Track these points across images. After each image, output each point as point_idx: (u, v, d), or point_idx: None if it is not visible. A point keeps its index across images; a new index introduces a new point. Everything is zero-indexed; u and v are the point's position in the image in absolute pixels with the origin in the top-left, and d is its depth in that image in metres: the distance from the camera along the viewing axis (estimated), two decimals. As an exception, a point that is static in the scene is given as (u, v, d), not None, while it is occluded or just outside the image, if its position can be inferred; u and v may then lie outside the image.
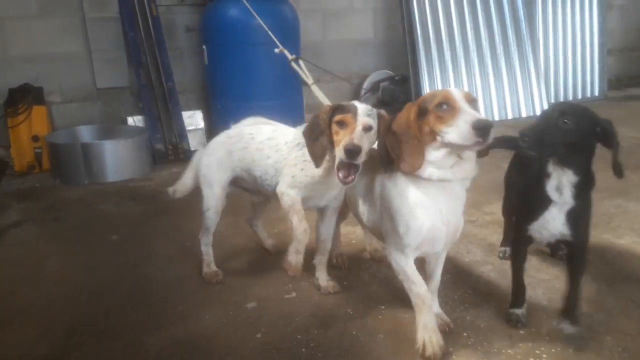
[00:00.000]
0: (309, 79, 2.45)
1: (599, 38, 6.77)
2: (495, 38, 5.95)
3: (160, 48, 4.77)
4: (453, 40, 5.77)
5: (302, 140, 2.04)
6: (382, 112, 1.95)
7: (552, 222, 1.84)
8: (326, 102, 2.08)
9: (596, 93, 6.80)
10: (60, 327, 2.12)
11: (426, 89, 5.59)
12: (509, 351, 1.86)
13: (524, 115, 5.97)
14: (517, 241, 2.05)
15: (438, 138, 1.65)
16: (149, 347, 1.96)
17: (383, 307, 2.18)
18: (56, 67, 4.78)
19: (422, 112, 1.69)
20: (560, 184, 1.79)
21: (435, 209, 1.76)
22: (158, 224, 3.13)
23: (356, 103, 1.92)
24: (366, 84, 6.13)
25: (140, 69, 4.69)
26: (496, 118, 5.86)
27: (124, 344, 1.99)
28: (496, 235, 2.79)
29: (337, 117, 1.89)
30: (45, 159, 4.34)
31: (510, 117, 5.92)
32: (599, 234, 2.67)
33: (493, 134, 1.57)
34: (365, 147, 1.83)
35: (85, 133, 4.64)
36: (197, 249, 2.49)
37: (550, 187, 1.81)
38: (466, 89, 5.76)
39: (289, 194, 2.13)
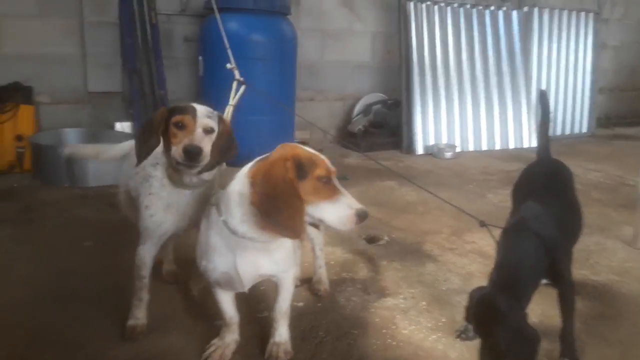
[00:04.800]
0: (232, 100, 2.43)
1: (591, 76, 6.89)
2: (489, 69, 6.03)
3: (156, 56, 4.76)
4: (448, 69, 5.83)
5: (156, 160, 1.91)
6: (222, 116, 1.88)
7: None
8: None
9: (584, 130, 6.88)
10: (22, 334, 2.05)
11: (418, 113, 5.62)
12: (479, 385, 1.83)
13: (511, 146, 6.01)
14: None
15: (309, 210, 1.55)
16: (112, 359, 1.90)
17: (356, 332, 2.14)
18: (49, 68, 4.75)
19: (300, 174, 1.55)
20: None
21: (230, 257, 1.71)
22: (134, 233, 3.06)
23: (195, 105, 1.82)
24: (358, 106, 6.16)
25: (134, 76, 4.68)
26: (484, 148, 5.90)
27: (85, 354, 1.93)
28: (475, 265, 2.78)
29: (176, 118, 1.77)
30: (27, 160, 4.28)
31: (498, 147, 5.97)
32: (577, 270, 2.65)
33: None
34: (206, 149, 1.76)
35: (71, 136, 4.59)
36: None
37: None
38: (457, 116, 5.81)
39: (138, 250, 2.02)
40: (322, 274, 2.49)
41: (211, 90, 4.80)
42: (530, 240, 1.82)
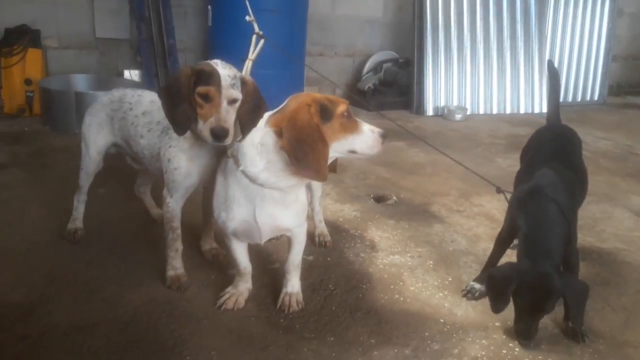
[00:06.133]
0: (252, 55, 2.39)
1: (605, 43, 6.75)
2: (503, 31, 5.90)
3: (165, 4, 4.67)
4: (461, 29, 5.71)
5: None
6: (246, 78, 1.85)
7: None
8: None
9: (595, 97, 6.81)
10: (40, 274, 2.10)
11: (429, 73, 5.55)
12: (483, 342, 1.89)
13: (522, 111, 5.96)
14: (507, 232, 2.12)
15: (340, 146, 1.67)
16: (127, 303, 1.96)
17: (364, 287, 2.19)
18: (56, 11, 4.65)
19: (325, 116, 1.63)
20: None
21: (249, 207, 1.76)
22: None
23: (219, 67, 1.77)
24: (369, 64, 6.07)
25: (142, 23, 4.59)
26: (494, 112, 5.86)
27: (102, 297, 1.99)
28: (482, 227, 2.82)
29: (201, 89, 1.75)
30: (36, 104, 4.26)
31: (508, 111, 5.91)
32: (583, 237, 2.69)
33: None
34: (231, 125, 1.76)
35: (80, 82, 4.54)
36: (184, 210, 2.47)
37: None
38: (469, 78, 5.74)
39: (167, 203, 2.02)
40: (323, 227, 2.56)
41: (220, 41, 4.71)
42: (553, 209, 1.87)
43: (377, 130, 1.71)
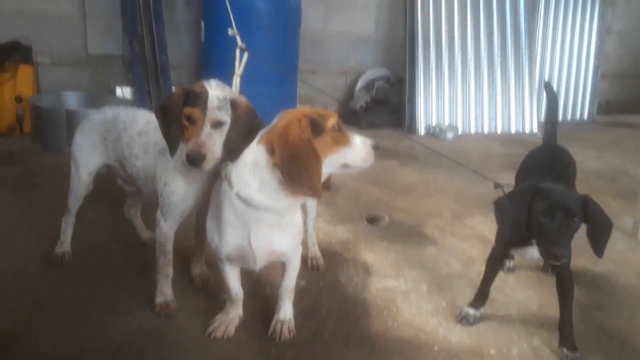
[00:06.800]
0: (238, 69, 2.38)
1: (594, 61, 6.82)
2: (494, 48, 5.94)
3: (158, 20, 4.65)
4: (452, 46, 5.75)
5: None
6: (238, 99, 1.79)
7: (535, 251, 1.89)
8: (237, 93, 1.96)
9: (585, 116, 6.86)
10: (26, 300, 2.06)
11: (421, 91, 5.57)
12: (478, 370, 1.87)
13: (513, 131, 5.98)
14: (498, 253, 2.10)
15: (333, 160, 1.64)
16: (115, 330, 1.92)
17: (357, 313, 2.16)
18: (48, 27, 4.63)
19: (316, 131, 1.61)
20: None
21: (244, 231, 1.72)
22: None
23: (210, 88, 1.74)
24: (361, 81, 6.09)
25: (135, 39, 4.57)
26: (485, 131, 5.87)
27: (89, 324, 1.95)
28: (475, 250, 2.80)
29: (186, 111, 1.72)
30: (27, 122, 4.21)
31: (499, 131, 5.93)
32: (576, 259, 2.64)
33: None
34: (214, 149, 1.72)
35: (72, 99, 4.50)
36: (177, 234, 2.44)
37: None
38: (460, 97, 5.77)
39: (161, 227, 1.99)
40: (316, 249, 2.53)
41: (213, 57, 4.72)
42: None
43: (368, 141, 1.68)
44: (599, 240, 1.76)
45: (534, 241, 1.86)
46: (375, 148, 1.68)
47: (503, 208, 1.80)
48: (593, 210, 1.74)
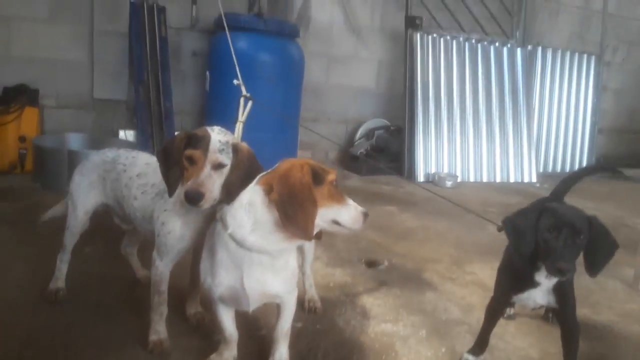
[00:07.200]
0: (242, 117, 2.45)
1: (591, 117, 6.99)
2: (492, 103, 6.09)
3: (164, 68, 4.79)
4: (451, 100, 5.89)
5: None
6: (240, 145, 1.83)
7: (538, 295, 1.87)
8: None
9: (583, 169, 6.93)
10: (17, 336, 2.01)
11: (420, 141, 5.65)
12: (479, 418, 1.80)
13: (512, 180, 6.04)
14: (498, 302, 2.05)
15: (324, 213, 1.64)
16: (106, 368, 1.87)
17: (354, 357, 2.11)
18: (56, 72, 4.76)
19: (316, 180, 1.63)
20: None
21: (237, 272, 1.71)
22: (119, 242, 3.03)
23: (213, 133, 1.79)
24: (361, 130, 6.23)
25: (141, 86, 4.69)
26: (484, 180, 5.93)
27: (80, 362, 1.90)
28: (475, 296, 2.76)
29: (187, 152, 1.76)
30: (28, 161, 4.25)
31: (498, 180, 5.99)
32: (578, 308, 2.63)
33: None
34: (213, 189, 1.75)
35: (74, 140, 4.56)
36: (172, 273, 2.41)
37: (540, 274, 1.83)
38: (459, 147, 5.85)
39: (156, 267, 1.99)
40: (314, 292, 2.50)
41: (216, 105, 4.83)
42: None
43: (360, 208, 1.70)
44: (597, 259, 1.74)
45: (537, 281, 1.83)
46: (366, 215, 1.70)
47: (512, 224, 1.80)
48: (598, 230, 1.73)
